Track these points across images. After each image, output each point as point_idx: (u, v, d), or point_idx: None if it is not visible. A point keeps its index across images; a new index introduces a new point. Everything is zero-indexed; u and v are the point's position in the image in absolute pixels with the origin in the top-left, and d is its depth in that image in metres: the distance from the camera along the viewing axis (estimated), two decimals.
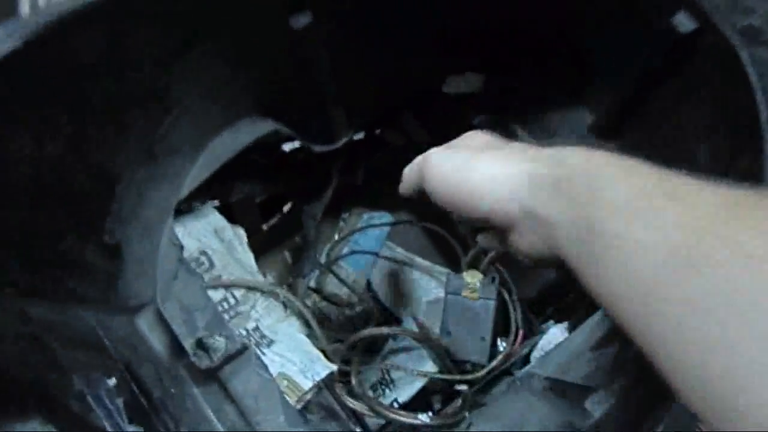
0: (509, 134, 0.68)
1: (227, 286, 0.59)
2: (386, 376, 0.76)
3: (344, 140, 0.67)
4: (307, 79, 0.56)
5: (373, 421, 0.72)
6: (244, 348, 0.53)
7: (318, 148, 0.66)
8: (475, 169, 0.38)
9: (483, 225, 0.42)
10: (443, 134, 0.82)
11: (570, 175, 0.33)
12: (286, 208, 0.86)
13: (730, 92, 0.48)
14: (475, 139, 0.44)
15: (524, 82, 0.67)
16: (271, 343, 0.60)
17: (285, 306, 0.63)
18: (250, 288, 0.60)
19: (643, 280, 0.27)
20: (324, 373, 0.60)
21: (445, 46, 0.63)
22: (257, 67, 0.52)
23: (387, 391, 0.75)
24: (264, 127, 0.58)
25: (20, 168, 0.38)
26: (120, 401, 0.40)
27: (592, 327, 0.61)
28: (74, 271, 0.44)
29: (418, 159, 0.44)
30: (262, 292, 0.61)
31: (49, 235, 0.42)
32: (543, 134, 0.67)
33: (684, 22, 0.48)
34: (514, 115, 0.68)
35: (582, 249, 0.31)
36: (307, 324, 0.65)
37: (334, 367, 0.62)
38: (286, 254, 0.86)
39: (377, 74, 0.61)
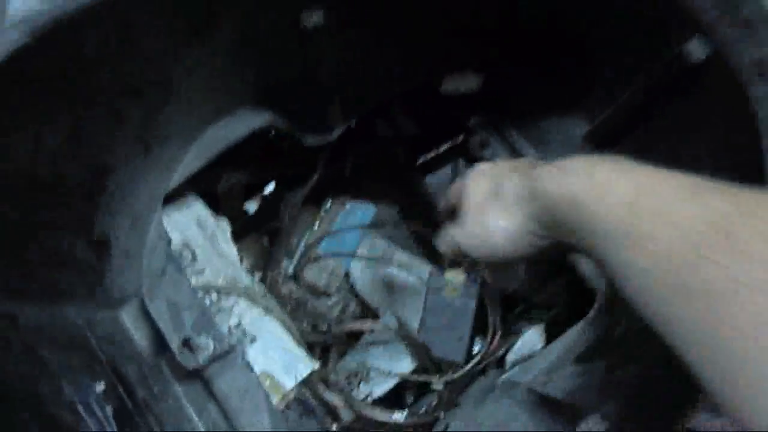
0: (504, 138, 0.68)
1: (210, 289, 0.57)
2: (361, 370, 0.76)
3: (337, 133, 0.66)
4: (308, 74, 0.55)
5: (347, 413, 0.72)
6: (232, 348, 0.51)
7: (311, 141, 0.64)
8: (488, 224, 0.44)
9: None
10: (434, 129, 0.81)
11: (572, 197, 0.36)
12: (267, 190, 0.84)
13: (736, 124, 0.48)
14: (478, 188, 0.48)
15: (523, 85, 0.66)
16: (253, 339, 0.59)
17: (266, 308, 0.62)
18: (233, 288, 0.59)
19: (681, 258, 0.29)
20: (306, 372, 0.59)
21: (446, 44, 0.62)
22: (260, 60, 0.50)
23: (362, 384, 0.75)
24: (260, 119, 0.56)
25: (17, 163, 0.35)
26: (109, 408, 0.38)
27: (573, 338, 0.62)
28: (63, 268, 0.42)
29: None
30: (243, 295, 0.60)
31: (41, 233, 0.39)
32: (537, 139, 0.67)
33: (696, 50, 0.48)
34: (509, 119, 0.67)
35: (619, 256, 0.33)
36: (286, 325, 0.64)
37: (316, 365, 0.61)
38: (264, 239, 0.85)
39: (377, 70, 0.60)
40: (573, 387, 0.54)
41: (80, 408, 0.36)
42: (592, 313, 0.61)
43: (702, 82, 0.51)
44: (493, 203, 0.44)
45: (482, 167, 0.49)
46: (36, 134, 0.36)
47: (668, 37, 0.51)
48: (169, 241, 0.52)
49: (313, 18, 0.46)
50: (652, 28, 0.53)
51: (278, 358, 0.58)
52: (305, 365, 0.59)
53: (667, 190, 0.32)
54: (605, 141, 0.65)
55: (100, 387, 0.40)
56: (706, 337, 0.27)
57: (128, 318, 0.51)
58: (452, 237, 0.48)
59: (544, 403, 0.54)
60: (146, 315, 0.50)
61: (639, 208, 0.32)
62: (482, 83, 0.67)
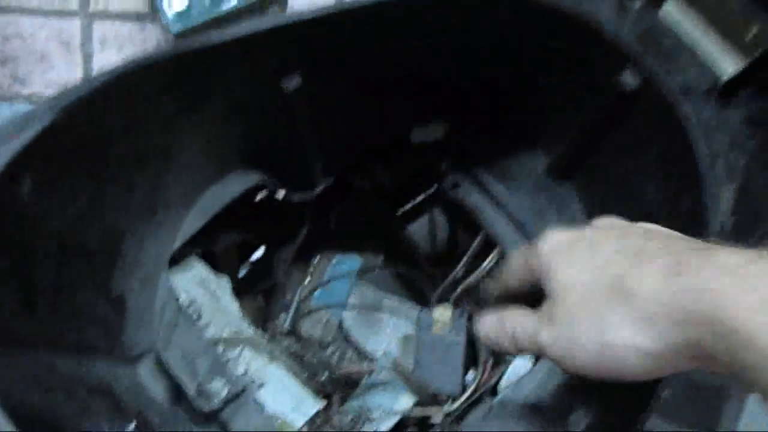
0: (473, 177, 0.74)
1: (218, 342, 0.61)
2: (364, 411, 0.79)
3: (321, 188, 0.71)
4: (291, 134, 0.61)
5: None
6: (243, 389, 0.55)
7: (297, 197, 0.70)
8: (611, 336, 0.32)
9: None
10: (409, 181, 0.87)
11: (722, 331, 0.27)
12: (257, 254, 0.89)
13: (672, 140, 0.55)
14: (582, 274, 0.35)
15: (484, 130, 0.73)
16: (261, 385, 0.62)
17: (270, 356, 0.66)
18: (238, 339, 0.63)
19: None
20: (314, 410, 0.63)
21: (412, 101, 0.69)
22: (248, 125, 0.56)
23: (366, 424, 0.78)
24: (251, 179, 0.62)
25: (47, 229, 0.40)
26: None
27: None
28: (89, 325, 0.46)
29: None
30: (248, 345, 0.64)
31: (70, 291, 0.44)
32: (503, 177, 0.73)
33: (629, 80, 0.55)
34: (476, 160, 0.74)
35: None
36: (291, 369, 0.67)
37: (322, 404, 0.65)
38: (260, 298, 0.89)
39: (353, 127, 0.66)
40: (560, 396, 0.58)
41: None
42: None
43: (639, 106, 0.58)
44: (617, 307, 0.32)
45: (580, 236, 0.37)
46: (63, 203, 0.41)
47: (604, 72, 0.58)
48: (177, 297, 0.56)
49: (293, 82, 0.52)
50: (589, 66, 0.60)
51: (286, 400, 0.62)
52: (312, 404, 0.63)
53: None
54: (564, 172, 0.71)
55: (130, 427, 0.44)
56: None
57: (145, 372, 0.55)
58: (531, 331, 0.36)
59: (535, 413, 0.58)
60: (162, 367, 0.54)
61: None
62: (448, 131, 0.74)
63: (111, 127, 0.42)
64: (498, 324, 0.40)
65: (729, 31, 0.52)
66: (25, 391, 0.35)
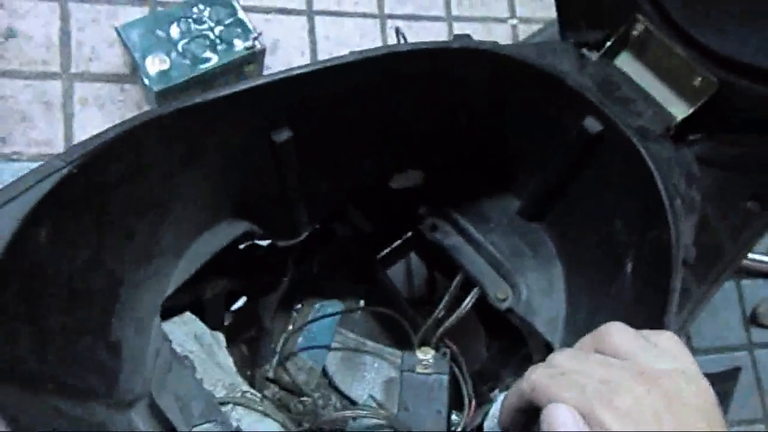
0: (450, 220, 0.78)
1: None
2: None
3: (305, 234, 0.74)
4: (278, 185, 0.64)
5: None
6: (237, 430, 0.56)
7: (282, 243, 0.72)
8: None
9: None
10: (387, 224, 0.91)
11: None
12: (238, 303, 0.90)
13: (636, 178, 0.59)
14: None
15: (459, 176, 0.77)
16: None
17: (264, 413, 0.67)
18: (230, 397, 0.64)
19: None
20: None
21: (392, 151, 0.73)
22: (239, 177, 0.59)
23: None
24: (239, 228, 0.64)
25: (59, 275, 0.42)
26: None
27: None
28: (90, 368, 0.48)
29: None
30: (241, 405, 0.65)
31: (75, 336, 0.45)
32: (478, 219, 0.77)
33: (592, 125, 0.60)
34: (452, 205, 0.77)
35: None
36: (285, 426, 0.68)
37: None
38: (243, 347, 0.90)
39: (336, 176, 0.70)
40: None
41: None
42: None
43: (603, 149, 0.62)
44: None
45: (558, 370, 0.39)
46: (73, 250, 0.43)
47: (569, 118, 0.63)
48: (171, 342, 0.58)
49: (283, 134, 0.55)
50: (555, 114, 0.65)
51: None
52: None
53: None
54: (536, 213, 0.75)
55: None
56: None
57: (138, 417, 0.55)
58: None
59: None
60: (156, 411, 0.55)
61: None
62: (425, 178, 0.78)
63: (118, 178, 0.45)
64: None
65: (677, 80, 0.58)
66: None
